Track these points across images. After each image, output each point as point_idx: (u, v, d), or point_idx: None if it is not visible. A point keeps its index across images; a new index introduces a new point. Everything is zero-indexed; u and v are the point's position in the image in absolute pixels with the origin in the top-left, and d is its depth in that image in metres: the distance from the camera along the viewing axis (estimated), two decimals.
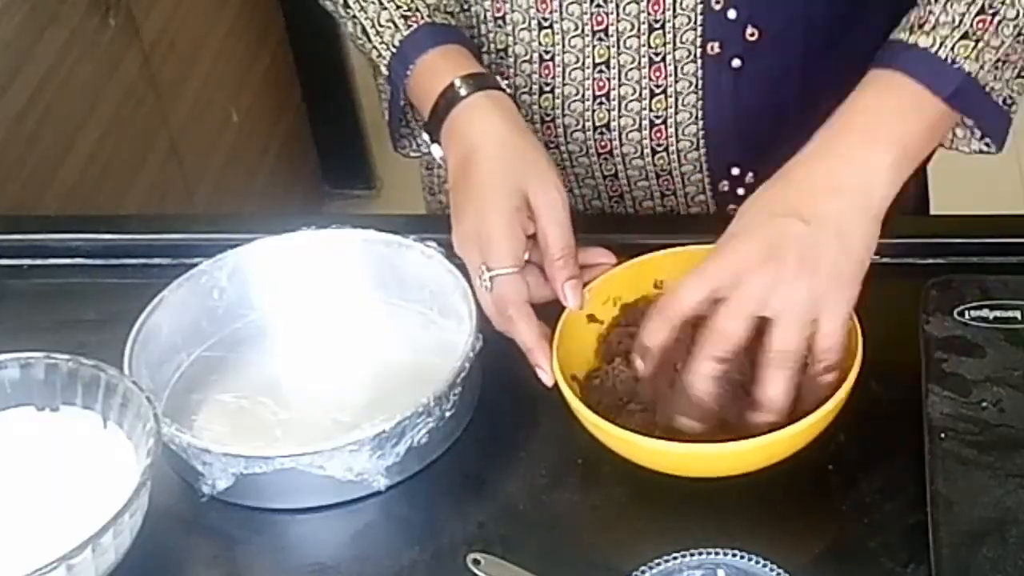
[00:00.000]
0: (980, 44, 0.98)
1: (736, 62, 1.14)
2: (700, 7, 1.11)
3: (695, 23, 1.12)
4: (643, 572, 0.87)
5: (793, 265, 0.92)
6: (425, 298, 1.10)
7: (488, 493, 0.99)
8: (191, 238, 1.21)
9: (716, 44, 1.13)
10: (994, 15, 0.98)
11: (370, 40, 1.12)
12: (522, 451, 1.02)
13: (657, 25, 1.12)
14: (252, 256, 1.12)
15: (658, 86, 1.15)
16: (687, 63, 1.14)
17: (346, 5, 1.14)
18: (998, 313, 1.03)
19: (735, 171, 1.20)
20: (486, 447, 1.02)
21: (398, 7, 1.11)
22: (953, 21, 0.98)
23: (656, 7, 1.11)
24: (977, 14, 0.98)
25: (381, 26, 1.11)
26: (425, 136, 1.11)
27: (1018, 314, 1.03)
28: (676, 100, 1.16)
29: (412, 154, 1.21)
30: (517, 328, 1.01)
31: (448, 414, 0.99)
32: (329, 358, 1.11)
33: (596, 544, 0.94)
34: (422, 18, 1.10)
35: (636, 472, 0.96)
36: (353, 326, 1.12)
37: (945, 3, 0.99)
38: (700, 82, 1.15)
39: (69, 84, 1.96)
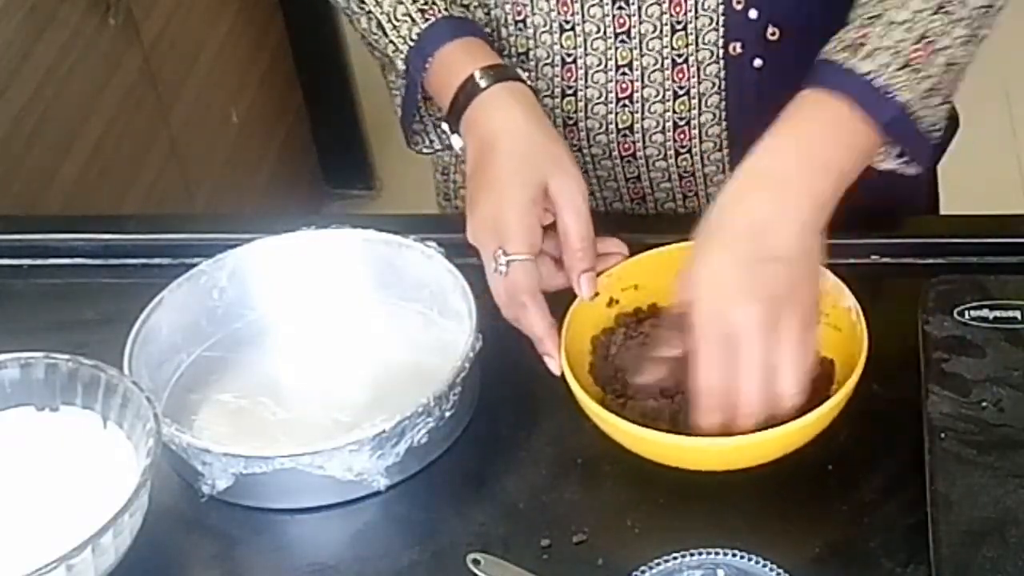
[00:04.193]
0: (916, 74, 0.98)
1: (758, 62, 1.14)
2: (721, 7, 1.11)
3: (717, 23, 1.12)
4: (643, 572, 0.88)
5: (786, 305, 0.93)
6: (425, 298, 1.11)
7: (488, 493, 0.99)
8: (191, 238, 1.21)
9: (738, 44, 1.13)
10: (929, 44, 0.99)
11: (386, 35, 1.12)
12: (522, 451, 1.02)
13: (679, 26, 1.12)
14: (252, 256, 1.12)
15: (681, 87, 1.15)
16: (709, 64, 1.14)
17: (360, 0, 1.14)
18: (998, 313, 1.03)
19: None
20: (486, 447, 1.02)
21: (414, 1, 1.11)
22: (892, 48, 0.98)
23: (678, 8, 1.11)
24: (915, 42, 0.98)
25: (398, 20, 1.11)
26: (444, 128, 1.11)
27: (1018, 314, 1.03)
28: (699, 101, 1.16)
29: (425, 150, 1.21)
30: (528, 316, 1.01)
31: (448, 414, 0.99)
32: (329, 358, 1.11)
33: (596, 544, 0.94)
34: (439, 11, 1.10)
35: (636, 472, 0.97)
36: (353, 326, 1.12)
37: (884, 25, 0.99)
38: (723, 83, 1.15)
39: (69, 84, 1.96)
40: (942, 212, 1.38)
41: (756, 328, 0.92)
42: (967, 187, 1.64)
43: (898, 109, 0.98)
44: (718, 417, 0.94)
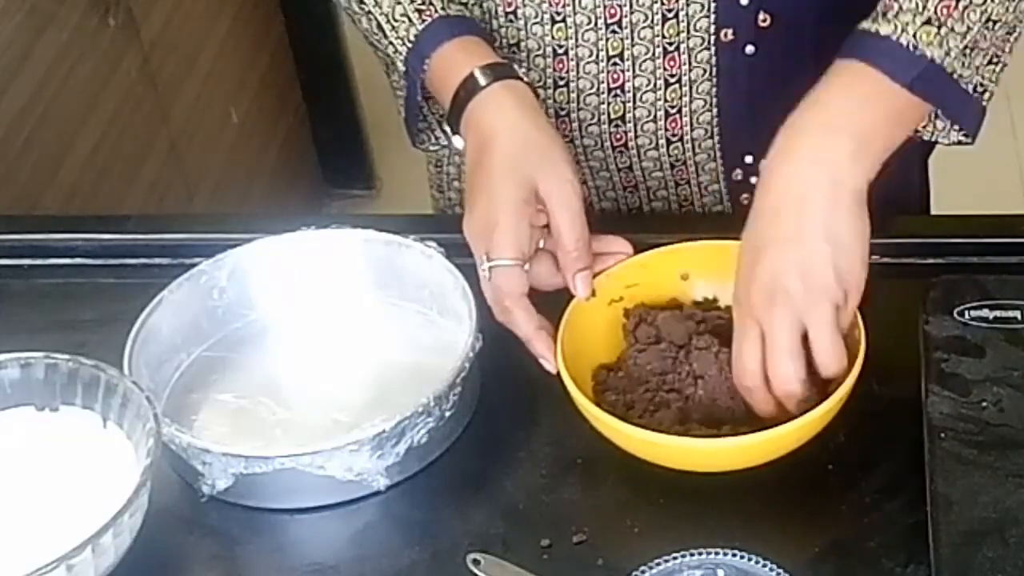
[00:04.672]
0: (944, 30, 0.98)
1: (749, 48, 1.14)
2: None
3: (708, 10, 1.12)
4: (643, 572, 0.87)
5: (800, 290, 0.94)
6: (425, 298, 1.10)
7: (488, 493, 0.99)
8: (191, 238, 1.21)
9: (729, 31, 1.13)
10: (959, 0, 0.98)
11: (385, 35, 1.12)
12: (522, 451, 1.02)
13: (671, 14, 1.12)
14: (252, 256, 1.12)
15: (672, 75, 1.15)
16: (701, 51, 1.14)
17: (360, 1, 1.14)
18: (998, 313, 1.03)
19: (748, 159, 1.20)
20: (486, 447, 1.02)
21: (412, 1, 1.11)
22: (916, 7, 0.98)
23: None
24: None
25: (396, 20, 1.11)
26: (446, 127, 1.12)
27: (1018, 314, 1.03)
28: (691, 89, 1.16)
29: (431, 148, 1.21)
30: (515, 320, 1.02)
31: (448, 414, 0.99)
32: (329, 358, 1.11)
33: (596, 544, 0.94)
34: (436, 11, 1.10)
35: (636, 472, 0.97)
36: (353, 326, 1.12)
37: None
38: (714, 69, 1.15)
39: (69, 84, 1.96)
40: (934, 211, 1.38)
41: (769, 306, 0.94)
42: (967, 187, 1.64)
43: (924, 65, 0.97)
44: (762, 399, 0.96)
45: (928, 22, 0.97)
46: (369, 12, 1.13)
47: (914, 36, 0.97)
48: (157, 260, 1.21)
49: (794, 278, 0.94)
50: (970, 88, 1.02)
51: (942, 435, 0.95)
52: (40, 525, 0.95)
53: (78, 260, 1.23)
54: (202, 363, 1.10)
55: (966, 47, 0.99)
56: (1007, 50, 1.04)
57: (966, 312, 1.03)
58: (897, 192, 1.20)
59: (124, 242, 1.23)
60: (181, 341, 1.09)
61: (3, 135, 1.82)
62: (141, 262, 1.22)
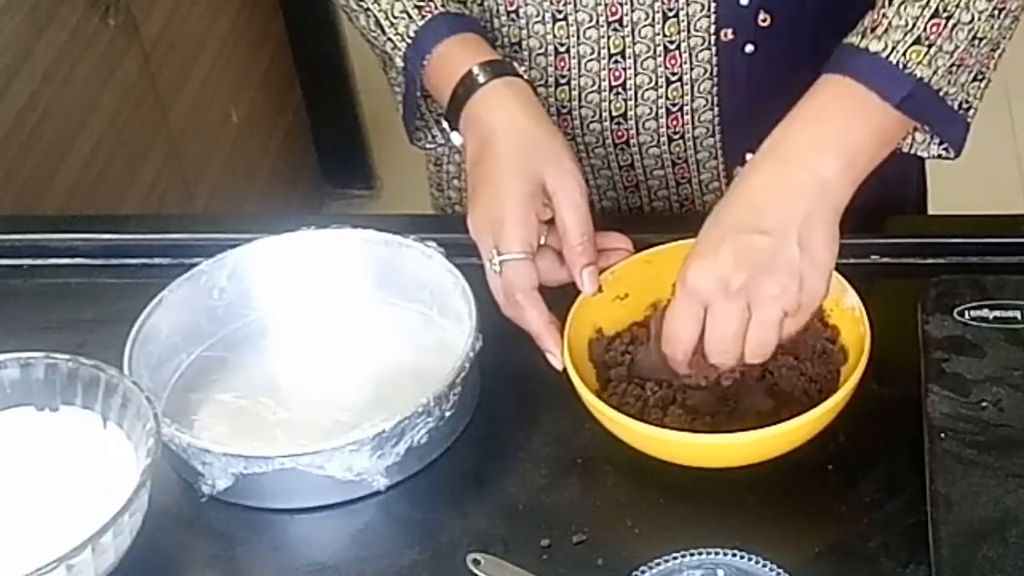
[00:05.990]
0: (932, 49, 0.98)
1: (749, 48, 1.15)
2: None
3: (708, 10, 1.12)
4: (643, 572, 0.87)
5: (763, 279, 0.93)
6: (425, 298, 1.11)
7: (488, 493, 0.99)
8: (191, 238, 1.21)
9: (730, 30, 1.14)
10: (948, 19, 0.99)
11: (384, 32, 1.12)
12: (522, 451, 1.02)
13: (671, 13, 1.13)
14: (252, 256, 1.12)
15: (674, 74, 1.16)
16: (702, 50, 1.14)
17: None
18: (998, 313, 1.03)
19: (750, 156, 1.20)
20: (486, 447, 1.02)
21: None
22: (906, 25, 0.98)
23: None
24: (931, 18, 0.98)
25: (395, 17, 1.11)
26: (444, 125, 1.12)
27: (1018, 314, 1.03)
28: (692, 87, 1.17)
29: (428, 146, 1.21)
30: (525, 314, 1.02)
31: (448, 414, 0.99)
32: (329, 358, 1.11)
33: (596, 544, 0.94)
34: (436, 7, 1.11)
35: (636, 472, 0.97)
36: (353, 326, 1.12)
37: (899, 6, 0.99)
38: (715, 68, 1.16)
39: (69, 84, 1.96)
40: (931, 210, 1.38)
41: (723, 294, 0.94)
42: (967, 187, 1.64)
43: (913, 85, 0.98)
44: (682, 367, 0.97)
45: (918, 41, 0.98)
46: (368, 9, 1.13)
47: (904, 55, 0.98)
48: (157, 260, 1.21)
49: (756, 274, 0.94)
50: (955, 105, 1.02)
51: (942, 435, 0.95)
52: (40, 525, 0.95)
53: (78, 260, 1.23)
54: (202, 363, 1.10)
55: (952, 65, 1.00)
56: (991, 66, 1.04)
57: (966, 312, 1.03)
58: (894, 192, 1.20)
59: (124, 242, 1.23)
60: (181, 341, 1.09)
61: (3, 135, 1.83)
62: (141, 262, 1.22)
